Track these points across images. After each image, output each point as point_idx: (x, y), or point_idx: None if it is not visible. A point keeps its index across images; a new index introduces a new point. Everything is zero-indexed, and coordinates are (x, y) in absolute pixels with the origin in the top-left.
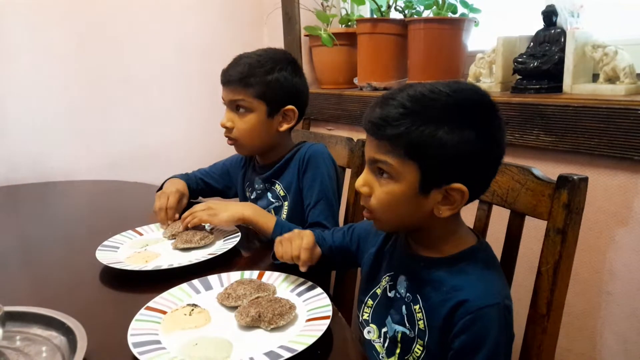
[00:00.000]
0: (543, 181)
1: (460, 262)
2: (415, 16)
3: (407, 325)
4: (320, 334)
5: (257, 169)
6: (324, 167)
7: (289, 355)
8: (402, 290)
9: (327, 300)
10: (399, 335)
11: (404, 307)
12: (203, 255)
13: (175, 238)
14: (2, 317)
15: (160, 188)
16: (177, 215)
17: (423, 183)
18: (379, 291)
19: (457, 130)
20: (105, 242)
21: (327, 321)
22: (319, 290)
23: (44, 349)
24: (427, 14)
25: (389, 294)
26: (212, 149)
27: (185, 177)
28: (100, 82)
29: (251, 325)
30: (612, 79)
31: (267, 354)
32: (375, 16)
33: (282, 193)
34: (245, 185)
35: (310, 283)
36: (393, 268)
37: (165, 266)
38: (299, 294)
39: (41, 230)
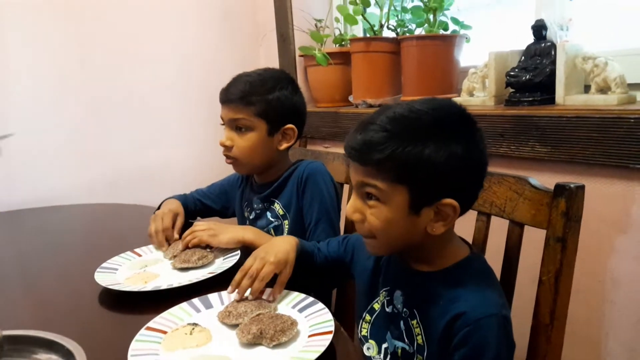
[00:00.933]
0: (540, 190)
1: (455, 274)
2: (407, 34)
3: (406, 340)
4: (323, 349)
5: (254, 189)
6: (322, 184)
7: None
8: (399, 305)
9: (329, 316)
10: (399, 350)
11: (401, 322)
12: (203, 274)
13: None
14: (1, 341)
15: (158, 209)
16: (177, 235)
17: (413, 203)
18: (376, 306)
19: (443, 146)
20: (104, 264)
21: (330, 336)
22: (320, 305)
23: None
24: (419, 31)
25: (387, 309)
26: (210, 169)
27: (182, 198)
28: (100, 103)
29: (253, 342)
30: (604, 90)
31: None
32: (368, 35)
33: (281, 212)
34: (244, 205)
35: (311, 299)
36: (389, 283)
37: (164, 286)
38: (301, 310)
39: (39, 254)
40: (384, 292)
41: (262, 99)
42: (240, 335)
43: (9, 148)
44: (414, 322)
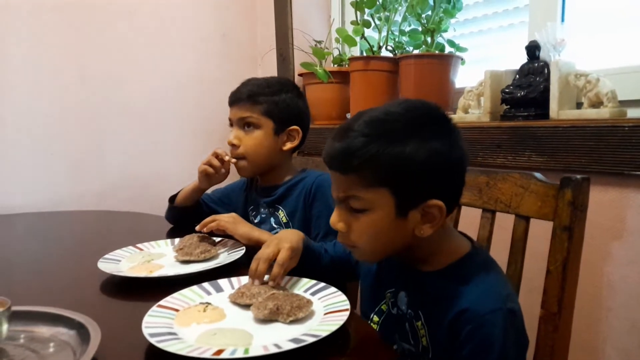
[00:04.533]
0: (547, 183)
1: (457, 271)
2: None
3: (412, 342)
4: (342, 322)
5: (259, 192)
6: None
7: (313, 340)
8: (403, 307)
9: (344, 297)
10: (407, 352)
11: (406, 324)
12: (208, 266)
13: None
14: (9, 310)
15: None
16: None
17: (399, 207)
18: (384, 307)
19: (423, 145)
20: (106, 256)
21: (347, 313)
22: (333, 289)
23: (51, 344)
24: (416, 53)
25: (392, 311)
26: None
27: None
28: (95, 113)
29: (269, 318)
30: (596, 105)
31: (291, 340)
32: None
33: (284, 220)
34: (249, 209)
35: (323, 284)
36: (392, 284)
37: (171, 274)
38: (314, 293)
39: (34, 254)
40: (389, 294)
41: (269, 99)
42: (255, 311)
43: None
44: (419, 323)
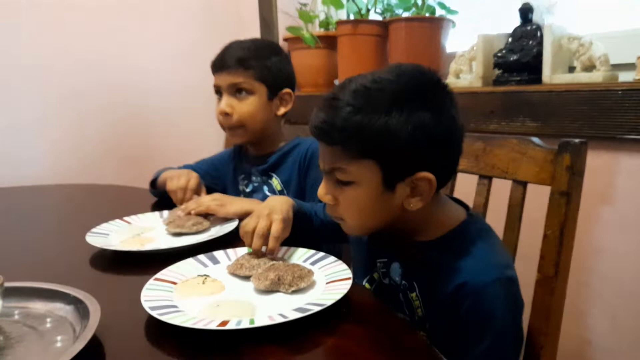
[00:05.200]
0: (545, 148)
1: (453, 241)
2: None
3: (407, 312)
4: (345, 291)
5: (251, 160)
6: None
7: (318, 308)
8: (397, 278)
9: (344, 265)
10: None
11: (400, 294)
12: (201, 239)
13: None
14: (2, 286)
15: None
16: (191, 195)
17: (386, 179)
18: (376, 275)
19: (410, 116)
20: (94, 229)
21: (350, 281)
22: (332, 258)
23: (48, 320)
24: (406, 16)
25: (384, 281)
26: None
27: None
28: (74, 83)
29: (270, 289)
30: (589, 68)
31: (296, 309)
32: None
33: (278, 187)
34: (240, 178)
35: (322, 253)
36: (384, 253)
37: (164, 247)
38: (313, 263)
39: (16, 228)
40: (380, 263)
41: (261, 64)
42: (256, 282)
43: None
44: (413, 294)
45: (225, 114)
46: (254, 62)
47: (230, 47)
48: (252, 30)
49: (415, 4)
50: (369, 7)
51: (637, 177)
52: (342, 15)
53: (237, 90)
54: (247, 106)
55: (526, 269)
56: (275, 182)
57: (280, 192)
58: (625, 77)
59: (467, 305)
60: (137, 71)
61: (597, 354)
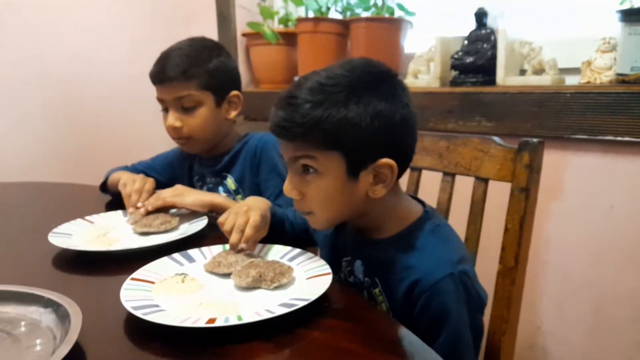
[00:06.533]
0: (505, 147)
1: (408, 238)
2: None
3: None
4: (327, 286)
5: (204, 162)
6: (277, 157)
7: (304, 303)
8: (360, 275)
9: (322, 261)
10: None
11: (365, 291)
12: (170, 238)
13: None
14: None
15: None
16: (145, 196)
17: (350, 168)
18: (342, 275)
19: (366, 106)
20: (55, 230)
21: (330, 276)
22: (309, 254)
23: (22, 324)
24: (366, 15)
25: (349, 280)
26: (148, 146)
27: (126, 170)
28: (13, 77)
29: (252, 286)
30: (538, 72)
31: (281, 305)
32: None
33: (233, 187)
34: (195, 180)
35: (298, 250)
36: (349, 252)
37: (134, 246)
38: (291, 259)
39: None
40: (344, 263)
41: (203, 71)
42: (237, 279)
43: None
44: (377, 290)
45: (175, 128)
46: (196, 70)
47: (168, 56)
48: (208, 25)
49: (375, 4)
50: (329, 5)
51: (583, 174)
52: (301, 12)
53: (182, 104)
54: (196, 119)
55: (487, 260)
56: (230, 181)
57: (235, 191)
58: (571, 80)
59: (421, 302)
60: (80, 61)
61: (546, 338)
